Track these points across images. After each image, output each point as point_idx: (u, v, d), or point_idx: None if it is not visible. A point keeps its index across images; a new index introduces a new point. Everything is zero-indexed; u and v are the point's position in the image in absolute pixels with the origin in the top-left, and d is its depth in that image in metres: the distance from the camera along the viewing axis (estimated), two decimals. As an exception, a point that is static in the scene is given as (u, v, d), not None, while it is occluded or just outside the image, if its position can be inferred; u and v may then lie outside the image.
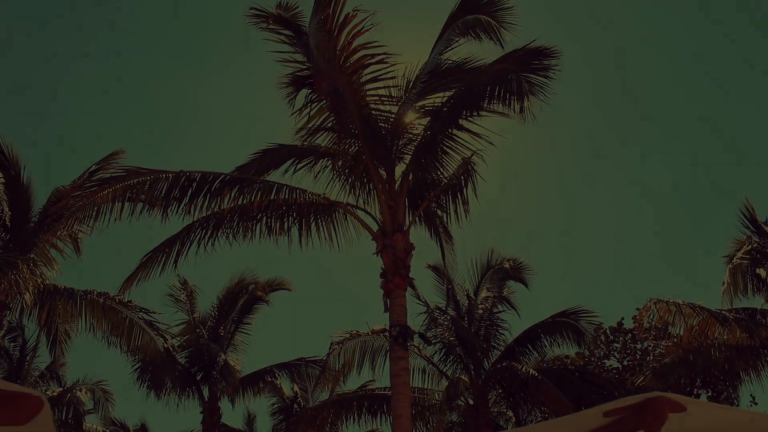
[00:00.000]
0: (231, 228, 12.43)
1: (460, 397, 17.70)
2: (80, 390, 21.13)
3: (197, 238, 12.33)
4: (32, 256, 15.10)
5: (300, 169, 13.26)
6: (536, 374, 15.82)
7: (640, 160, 39.67)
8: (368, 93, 12.30)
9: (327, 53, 11.28)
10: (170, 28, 39.66)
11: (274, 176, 13.39)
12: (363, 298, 38.44)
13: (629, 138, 40.02)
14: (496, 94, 11.51)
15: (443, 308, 18.60)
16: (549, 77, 11.37)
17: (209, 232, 12.35)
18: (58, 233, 12.74)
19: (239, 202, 12.11)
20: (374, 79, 12.23)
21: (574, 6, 34.67)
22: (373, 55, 11.93)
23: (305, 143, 12.94)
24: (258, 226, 12.51)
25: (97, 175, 14.59)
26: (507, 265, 19.29)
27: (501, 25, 12.27)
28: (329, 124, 12.59)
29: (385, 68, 12.13)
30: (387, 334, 12.04)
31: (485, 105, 11.77)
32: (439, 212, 13.91)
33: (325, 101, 11.81)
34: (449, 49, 12.53)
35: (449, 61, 12.54)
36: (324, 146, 12.97)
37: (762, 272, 15.86)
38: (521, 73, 11.22)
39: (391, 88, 12.68)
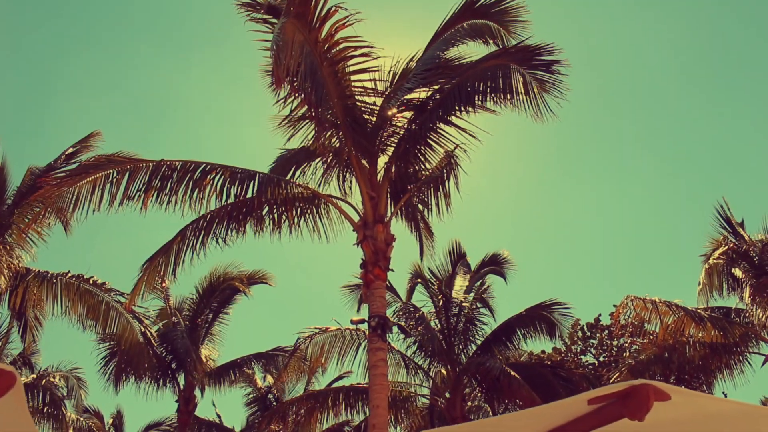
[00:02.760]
0: (221, 230, 12.37)
1: (442, 393, 17.76)
2: (53, 377, 20.84)
3: (190, 245, 12.27)
4: (8, 238, 14.88)
5: (300, 174, 13.30)
6: (507, 370, 15.83)
7: (624, 157, 39.99)
8: (353, 84, 12.22)
9: (307, 45, 11.16)
10: (154, 17, 39.30)
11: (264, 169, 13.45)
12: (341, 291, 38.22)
13: (612, 136, 40.29)
14: (498, 89, 11.33)
15: (414, 304, 18.57)
16: (559, 73, 10.97)
17: (201, 239, 12.28)
18: (35, 223, 12.53)
19: (223, 195, 12.01)
20: (358, 71, 12.15)
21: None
22: (356, 47, 11.84)
23: (291, 135, 12.85)
24: (248, 225, 12.48)
25: (75, 158, 14.41)
26: (469, 258, 19.39)
27: (511, 35, 12.16)
28: (313, 113, 12.47)
29: (368, 60, 12.05)
30: (366, 324, 12.00)
31: (480, 101, 11.67)
32: (420, 206, 13.90)
33: (303, 93, 11.66)
34: (453, 47, 12.46)
35: (444, 58, 12.46)
36: (321, 141, 12.83)
37: (738, 272, 16.03)
38: (527, 70, 10.92)
39: (377, 81, 12.65)
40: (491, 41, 12.34)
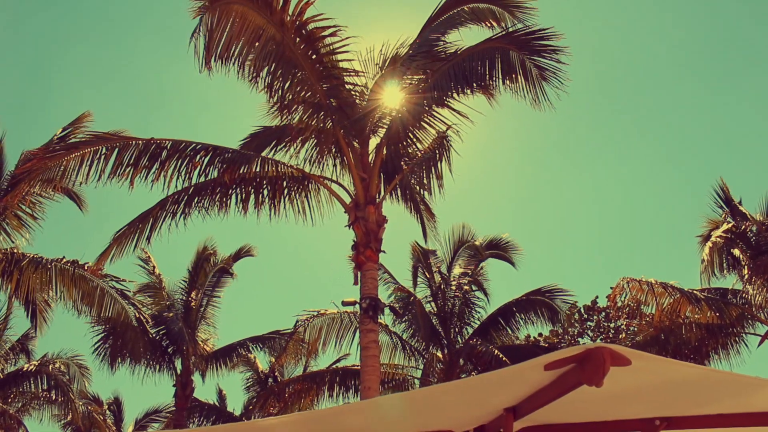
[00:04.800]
0: (204, 202, 12.33)
1: (434, 375, 17.70)
2: (54, 364, 20.89)
3: (170, 213, 12.22)
4: (2, 223, 14.87)
5: (281, 149, 13.17)
6: (499, 354, 15.72)
7: (621, 141, 39.87)
8: (337, 65, 12.07)
9: (270, 27, 11.07)
10: (153, 6, 39.17)
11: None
12: (336, 272, 38.53)
13: (610, 120, 40.14)
14: (496, 73, 11.16)
15: (407, 289, 18.47)
16: (559, 61, 10.74)
17: (182, 207, 12.24)
18: (22, 195, 12.51)
19: (211, 173, 11.99)
20: (335, 52, 11.97)
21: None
22: (325, 27, 11.67)
23: (285, 120, 12.74)
24: (231, 200, 12.42)
25: (68, 140, 14.34)
26: (478, 242, 19.23)
27: (517, 20, 11.97)
28: (308, 96, 12.29)
29: (344, 40, 11.90)
30: (358, 306, 11.97)
31: (477, 84, 11.52)
32: (419, 188, 13.82)
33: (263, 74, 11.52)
34: (454, 30, 12.32)
35: (443, 41, 12.32)
36: (302, 122, 12.74)
37: (737, 251, 15.94)
38: (527, 56, 10.73)
39: (364, 61, 12.56)
40: (495, 24, 12.15)
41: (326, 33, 11.63)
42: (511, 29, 11.75)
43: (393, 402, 4.33)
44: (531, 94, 10.99)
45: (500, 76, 11.28)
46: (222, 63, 11.12)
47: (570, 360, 3.21)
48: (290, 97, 11.80)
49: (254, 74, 11.41)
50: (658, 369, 3.52)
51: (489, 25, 12.24)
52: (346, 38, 11.76)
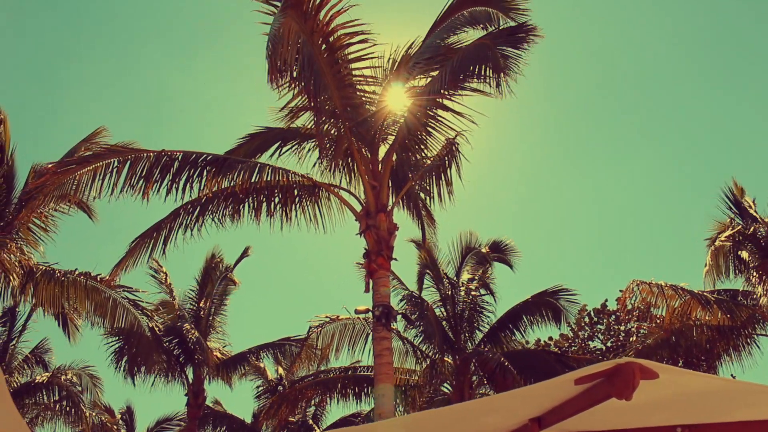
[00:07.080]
0: (217, 212, 12.43)
1: (440, 379, 17.71)
2: (65, 375, 20.95)
3: (183, 223, 12.33)
4: (15, 237, 14.97)
5: (285, 152, 13.25)
6: (504, 361, 15.69)
7: (626, 143, 39.86)
8: (352, 73, 12.19)
9: (303, 35, 11.14)
10: (158, 15, 39.32)
11: (259, 158, 13.44)
12: (345, 279, 38.65)
13: (614, 121, 40.16)
14: (473, 69, 11.41)
15: (417, 294, 18.49)
16: (524, 48, 11.27)
17: (195, 217, 12.34)
18: (36, 210, 12.64)
19: (222, 184, 12.09)
20: (356, 59, 12.11)
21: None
22: (353, 34, 11.80)
23: (290, 125, 12.87)
24: (243, 209, 12.51)
25: (79, 153, 14.45)
26: (484, 250, 19.27)
27: (512, 19, 12.13)
28: (312, 104, 12.42)
29: (366, 48, 12.03)
30: (370, 314, 12.03)
31: (462, 82, 11.67)
32: (422, 195, 13.90)
33: (304, 83, 11.62)
34: (453, 35, 12.44)
35: (442, 45, 12.44)
36: (308, 127, 12.90)
37: (745, 254, 15.91)
38: (497, 47, 11.12)
39: (377, 68, 12.66)
40: (490, 27, 12.33)
41: (354, 41, 11.74)
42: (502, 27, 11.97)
43: (419, 419, 4.37)
44: (494, 82, 11.13)
45: (477, 71, 11.44)
46: (279, 75, 11.14)
47: (600, 375, 3.28)
48: (327, 106, 11.91)
49: (298, 82, 11.50)
50: (683, 381, 3.59)
51: (484, 27, 12.39)
52: (372, 45, 11.92)
